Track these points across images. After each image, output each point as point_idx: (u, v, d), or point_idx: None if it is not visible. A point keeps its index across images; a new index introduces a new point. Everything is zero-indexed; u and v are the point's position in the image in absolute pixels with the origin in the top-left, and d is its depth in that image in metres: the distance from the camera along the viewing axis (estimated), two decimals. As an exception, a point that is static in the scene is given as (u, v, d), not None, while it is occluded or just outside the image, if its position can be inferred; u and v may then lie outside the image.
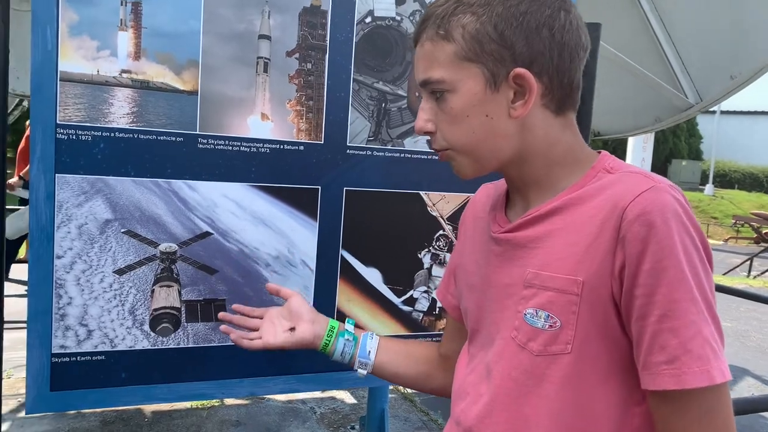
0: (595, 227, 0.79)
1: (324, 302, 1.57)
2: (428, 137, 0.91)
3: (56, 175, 1.32)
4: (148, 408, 3.25)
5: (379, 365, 1.13)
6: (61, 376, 1.37)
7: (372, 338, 1.14)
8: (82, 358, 1.39)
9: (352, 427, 3.36)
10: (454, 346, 1.08)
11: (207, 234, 1.46)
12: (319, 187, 1.54)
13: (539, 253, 0.84)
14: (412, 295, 1.68)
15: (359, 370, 1.14)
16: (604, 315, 0.79)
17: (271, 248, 1.51)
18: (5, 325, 1.36)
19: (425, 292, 1.70)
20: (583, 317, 0.79)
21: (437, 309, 1.71)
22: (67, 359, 1.38)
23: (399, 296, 1.66)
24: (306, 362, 1.58)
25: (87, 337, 1.39)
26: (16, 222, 3.74)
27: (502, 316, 0.88)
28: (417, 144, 1.62)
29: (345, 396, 3.70)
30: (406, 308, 1.68)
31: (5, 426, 2.94)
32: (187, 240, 1.45)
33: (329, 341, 1.14)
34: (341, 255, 1.59)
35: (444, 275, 1.12)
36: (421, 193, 1.65)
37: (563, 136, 0.87)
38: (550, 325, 0.81)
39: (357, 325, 1.19)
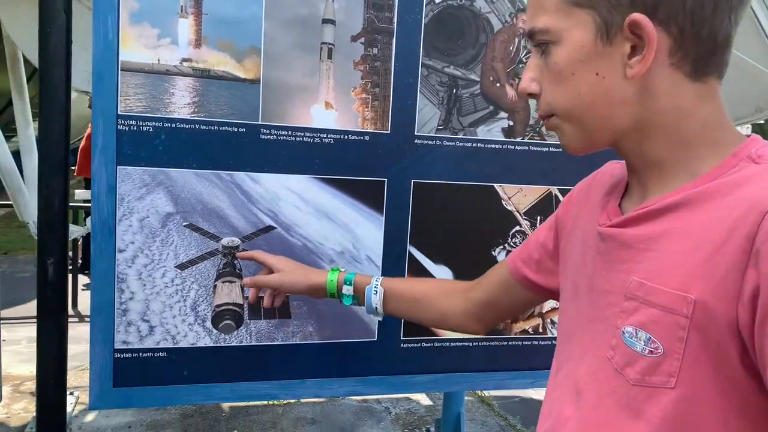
0: (721, 233, 0.61)
1: (391, 301, 1.48)
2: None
3: (117, 167, 1.29)
4: (226, 402, 3.27)
5: (390, 314, 1.16)
6: (124, 373, 1.34)
7: (376, 292, 1.14)
8: (145, 355, 1.36)
9: (428, 430, 3.25)
10: (488, 297, 1.02)
11: (270, 228, 1.39)
12: (386, 179, 1.45)
13: (648, 257, 0.67)
14: (485, 295, 1.56)
15: (372, 317, 1.19)
16: (721, 347, 0.61)
17: (335, 243, 1.43)
18: (85, 319, 1.34)
19: (500, 291, 1.57)
20: (692, 346, 0.62)
21: (513, 310, 1.59)
22: (130, 355, 1.35)
23: (472, 296, 1.55)
24: (373, 364, 1.50)
25: (149, 333, 1.35)
26: None
27: (599, 328, 0.73)
28: (491, 132, 1.50)
29: (420, 397, 3.60)
30: (479, 309, 1.56)
31: (91, 416, 3.02)
32: (249, 234, 1.39)
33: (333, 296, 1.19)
34: (409, 251, 1.49)
35: (526, 244, 0.98)
36: (495, 185, 1.52)
37: (699, 108, 0.68)
38: (651, 351, 0.65)
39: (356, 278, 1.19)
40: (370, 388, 1.50)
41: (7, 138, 3.13)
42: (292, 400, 3.41)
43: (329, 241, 1.43)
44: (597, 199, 0.81)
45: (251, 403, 3.28)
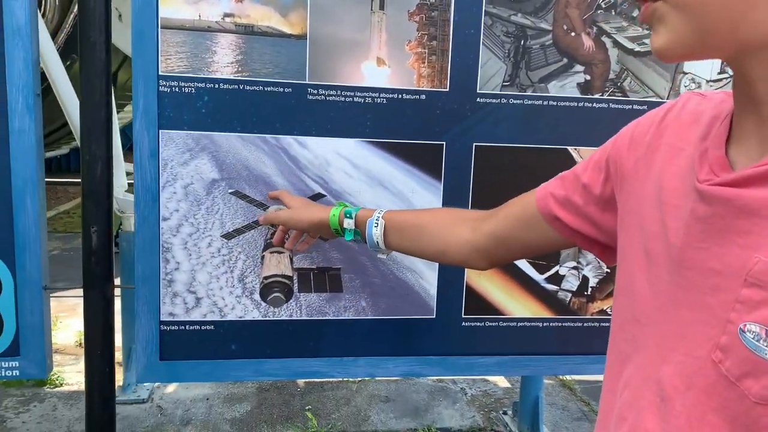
0: None
1: (450, 276, 1.34)
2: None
3: (160, 131, 1.22)
4: (275, 379, 3.24)
5: (393, 248, 1.06)
6: (170, 346, 1.29)
7: (377, 225, 1.04)
8: (191, 327, 1.29)
9: (504, 413, 3.10)
10: (503, 231, 0.87)
11: (319, 195, 1.29)
12: (444, 143, 1.31)
13: None
14: (557, 272, 1.40)
15: (378, 255, 1.10)
16: None
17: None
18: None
19: (574, 268, 1.41)
20: None
21: (589, 289, 1.42)
22: (176, 327, 1.29)
23: (541, 272, 1.39)
24: (432, 343, 1.37)
25: (195, 305, 1.28)
26: None
27: (695, 318, 0.56)
28: (564, 89, 1.33)
29: (498, 379, 3.45)
30: (550, 287, 1.40)
31: (171, 387, 3.07)
32: (297, 202, 1.29)
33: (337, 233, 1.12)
34: (472, 222, 1.35)
35: (562, 181, 0.81)
36: (569, 148, 1.35)
37: None
38: None
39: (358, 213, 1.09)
40: (427, 369, 1.38)
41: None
42: (366, 378, 3.34)
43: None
44: (678, 141, 0.63)
45: (325, 380, 3.24)
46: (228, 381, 1.45)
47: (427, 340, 1.36)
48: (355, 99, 1.26)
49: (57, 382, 3.06)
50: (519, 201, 0.87)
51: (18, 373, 1.24)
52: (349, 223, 1.08)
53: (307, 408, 3.05)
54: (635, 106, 1.35)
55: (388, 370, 1.36)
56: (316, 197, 1.29)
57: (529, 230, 0.84)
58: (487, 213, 0.93)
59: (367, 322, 1.34)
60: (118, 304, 1.25)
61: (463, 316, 1.37)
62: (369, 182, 1.30)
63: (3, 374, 1.23)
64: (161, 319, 1.28)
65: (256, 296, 1.30)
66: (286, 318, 1.32)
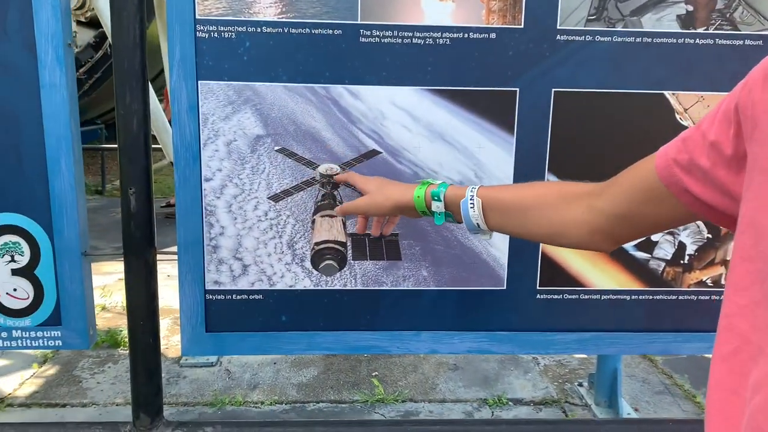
0: None
1: (523, 243, 1.17)
2: None
3: (199, 82, 1.09)
4: (329, 353, 3.13)
5: (493, 230, 0.92)
6: (217, 316, 1.18)
7: (473, 205, 0.89)
8: (239, 297, 1.18)
9: (580, 384, 2.91)
10: (623, 208, 0.72)
11: (374, 153, 1.14)
12: (518, 89, 1.12)
13: None
14: (649, 238, 1.20)
15: (477, 236, 0.99)
16: None
17: (452, 171, 1.15)
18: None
19: (669, 233, 1.20)
20: None
21: (686, 257, 1.21)
22: (222, 297, 1.17)
23: (630, 237, 1.20)
24: (503, 318, 1.21)
25: (242, 272, 1.17)
26: None
27: None
28: (661, 22, 1.11)
29: (573, 348, 3.26)
30: (640, 255, 1.20)
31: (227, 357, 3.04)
32: (350, 160, 1.14)
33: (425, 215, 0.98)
34: (547, 180, 1.16)
35: (685, 142, 0.63)
36: (666, 93, 1.14)
37: None
38: None
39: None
40: (497, 346, 1.22)
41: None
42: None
43: (445, 169, 1.14)
44: None
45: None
46: (278, 354, 1.34)
47: (496, 314, 1.20)
48: (414, 40, 1.09)
49: (131, 343, 3.08)
50: (636, 170, 0.70)
51: (60, 344, 1.16)
52: (437, 206, 0.94)
53: (373, 374, 2.96)
54: (748, 41, 1.12)
55: (453, 345, 1.21)
56: (371, 155, 1.13)
57: (653, 204, 0.68)
58: (599, 187, 0.77)
59: (429, 294, 1.19)
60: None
61: (538, 287, 1.20)
62: (430, 137, 1.13)
63: (45, 344, 1.16)
64: (206, 288, 1.17)
65: (307, 264, 1.17)
66: (340, 288, 1.18)
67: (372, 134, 1.13)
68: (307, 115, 1.11)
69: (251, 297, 1.18)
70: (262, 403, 2.70)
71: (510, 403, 2.79)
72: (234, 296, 1.17)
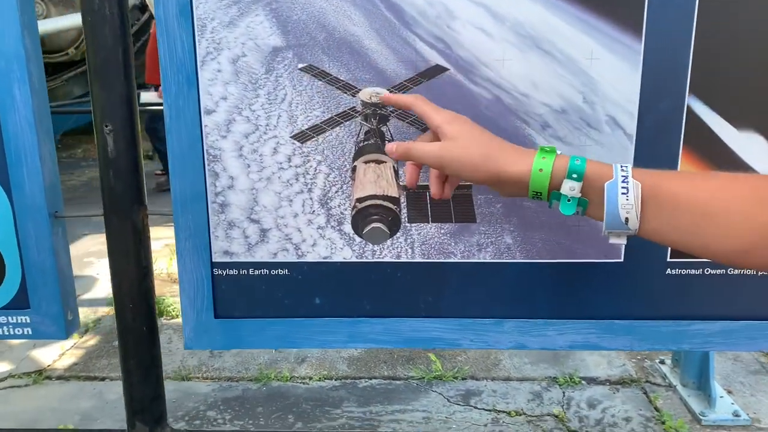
0: None
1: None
2: None
3: (191, -27, 0.76)
4: (378, 347, 2.81)
5: (649, 235, 0.60)
6: (229, 298, 0.86)
7: (626, 193, 0.58)
8: (257, 272, 0.86)
9: (662, 362, 2.52)
10: None
11: (438, 70, 0.78)
12: (651, -29, 0.75)
13: None
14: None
15: (611, 239, 0.63)
16: None
17: (551, 94, 0.78)
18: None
19: None
20: None
21: None
22: (235, 272, 0.86)
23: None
24: (617, 300, 0.85)
25: (261, 239, 0.84)
26: None
27: None
28: None
29: (652, 321, 2.86)
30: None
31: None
32: (404, 81, 0.79)
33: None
34: (688, 107, 0.79)
35: None
36: None
37: None
38: None
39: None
40: (610, 340, 0.86)
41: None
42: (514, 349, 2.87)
43: (540, 91, 0.78)
44: None
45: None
46: (311, 348, 1.02)
47: (609, 296, 0.85)
48: None
49: (174, 313, 2.86)
50: None
51: (30, 332, 0.87)
52: (572, 188, 0.61)
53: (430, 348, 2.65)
54: None
55: (548, 339, 0.86)
56: (433, 73, 0.78)
57: None
58: None
59: (515, 268, 0.84)
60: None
61: (668, 259, 0.84)
62: (519, 44, 0.77)
63: (10, 332, 0.87)
64: (213, 260, 0.85)
65: (347, 227, 0.84)
66: (392, 260, 0.85)
67: (435, 42, 0.77)
68: (342, 16, 0.77)
69: (273, 272, 0.85)
70: (311, 378, 2.43)
71: (583, 382, 2.42)
72: (250, 271, 0.86)
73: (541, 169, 0.61)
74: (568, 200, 0.61)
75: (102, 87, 0.79)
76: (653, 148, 0.80)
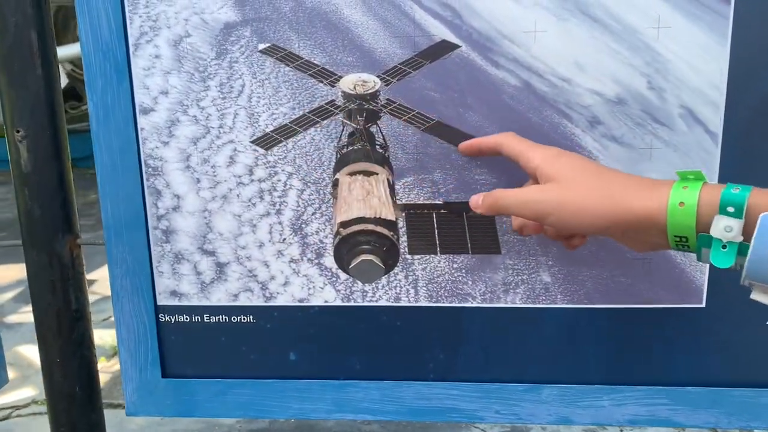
0: None
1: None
2: None
3: (116, -74, 0.57)
4: (372, 418, 2.48)
5: None
6: (180, 351, 0.66)
7: None
8: (214, 319, 0.66)
9: None
10: None
11: (446, 47, 0.57)
12: None
13: None
14: None
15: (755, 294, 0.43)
16: None
17: (603, 79, 0.56)
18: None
19: None
20: None
21: None
22: (186, 318, 0.66)
23: None
24: (700, 358, 0.62)
25: (217, 276, 0.64)
26: None
27: None
28: None
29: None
30: None
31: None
32: (400, 65, 0.58)
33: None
34: (799, 94, 0.56)
35: None
36: None
37: None
38: None
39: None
40: (688, 413, 0.62)
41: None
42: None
43: (587, 75, 0.56)
44: None
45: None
46: (286, 418, 0.80)
47: (685, 354, 0.61)
48: None
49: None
50: None
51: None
52: (729, 227, 0.41)
53: None
54: None
55: (602, 411, 0.63)
56: (440, 52, 0.57)
57: None
58: None
59: (555, 316, 0.62)
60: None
61: (769, 304, 0.60)
62: (556, 9, 0.55)
63: None
64: (158, 303, 0.65)
65: (329, 260, 0.63)
66: (389, 304, 0.63)
67: (440, 11, 0.56)
68: (315, -21, 0.57)
69: (234, 319, 0.65)
70: None
71: None
72: (205, 317, 0.65)
73: (681, 203, 0.43)
74: (723, 246, 0.41)
75: (11, 83, 0.61)
76: (747, 152, 0.57)
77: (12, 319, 2.76)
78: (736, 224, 0.41)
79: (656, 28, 0.55)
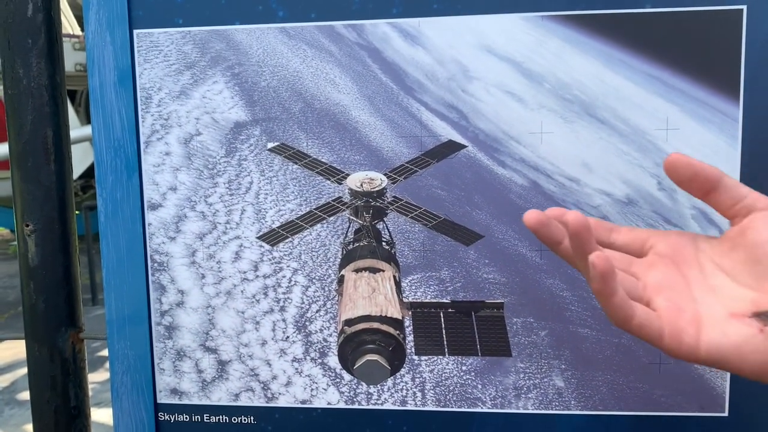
0: None
1: None
2: None
3: (134, 31, 0.59)
4: None
5: None
6: (177, 452, 0.63)
7: None
8: (214, 419, 0.63)
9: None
10: None
11: (453, 147, 0.57)
12: (745, 7, 0.53)
13: None
14: None
15: None
16: None
17: (612, 180, 0.55)
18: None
19: None
20: None
21: None
22: (186, 418, 0.63)
23: None
24: (721, 472, 0.58)
25: (218, 375, 0.62)
26: None
27: None
28: None
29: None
30: None
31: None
32: (407, 163, 0.58)
33: None
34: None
35: None
36: None
37: None
38: None
39: None
40: None
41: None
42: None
43: (596, 175, 0.55)
44: None
45: None
46: None
47: (714, 473, 0.57)
48: None
49: None
50: None
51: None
52: None
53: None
54: None
55: None
56: (446, 150, 0.57)
57: None
58: None
59: (570, 423, 0.59)
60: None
61: (798, 415, 0.56)
62: (563, 111, 0.55)
63: None
64: (158, 401, 0.63)
65: (333, 360, 0.60)
66: (395, 407, 0.61)
67: (447, 112, 0.56)
68: (324, 81, 0.57)
69: (235, 419, 0.62)
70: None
71: None
72: (205, 417, 0.63)
73: None
74: None
75: (24, 177, 0.61)
76: (764, 253, 0.55)
77: (24, 396, 2.72)
78: None
79: (665, 130, 0.54)
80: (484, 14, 0.55)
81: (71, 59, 4.35)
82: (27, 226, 0.61)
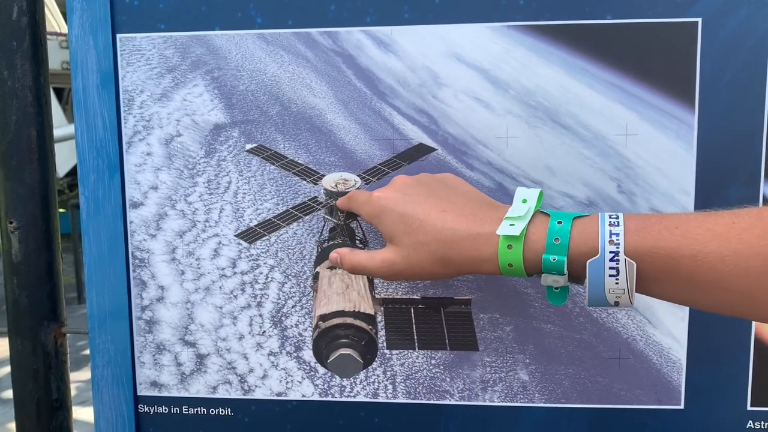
0: None
1: (717, 322, 0.57)
2: None
3: (117, 35, 0.61)
4: None
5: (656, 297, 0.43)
6: (156, 443, 0.65)
7: (615, 274, 0.40)
8: (192, 411, 0.65)
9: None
10: None
11: (423, 150, 0.59)
12: (699, 20, 0.56)
13: None
14: None
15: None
16: None
17: (574, 183, 0.58)
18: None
19: None
20: None
21: None
22: (165, 409, 0.65)
23: None
24: (677, 462, 0.60)
25: (197, 368, 0.64)
26: None
27: None
28: None
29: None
30: None
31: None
32: (380, 165, 0.60)
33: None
34: (765, 197, 0.57)
35: None
36: None
37: None
38: None
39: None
40: None
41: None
42: None
43: (558, 178, 0.58)
44: None
45: None
46: None
47: (668, 462, 0.60)
48: (493, -66, 0.56)
49: None
50: None
51: None
52: (557, 281, 0.43)
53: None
54: None
55: None
56: (417, 153, 0.59)
57: None
58: None
59: (533, 416, 0.61)
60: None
61: (749, 407, 0.59)
62: (528, 117, 0.57)
63: None
64: (138, 394, 0.65)
65: (308, 354, 0.63)
66: (367, 400, 0.63)
67: (417, 116, 0.59)
68: (300, 85, 0.60)
69: (212, 411, 0.65)
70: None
71: None
72: (183, 409, 0.65)
73: (510, 264, 0.44)
74: (555, 289, 0.44)
75: (8, 176, 0.63)
76: (719, 253, 0.58)
77: (8, 395, 2.71)
78: (562, 279, 0.42)
79: (624, 135, 0.57)
80: (454, 24, 0.57)
81: (58, 57, 4.33)
82: (11, 223, 0.63)
